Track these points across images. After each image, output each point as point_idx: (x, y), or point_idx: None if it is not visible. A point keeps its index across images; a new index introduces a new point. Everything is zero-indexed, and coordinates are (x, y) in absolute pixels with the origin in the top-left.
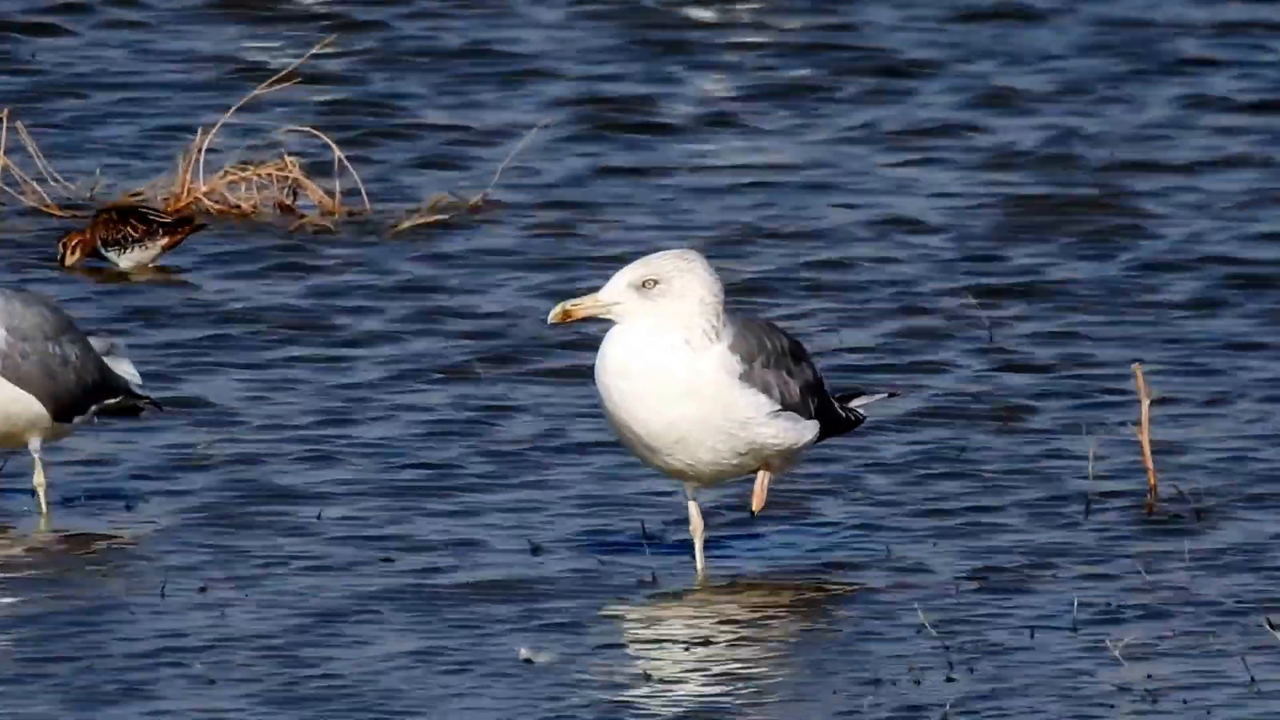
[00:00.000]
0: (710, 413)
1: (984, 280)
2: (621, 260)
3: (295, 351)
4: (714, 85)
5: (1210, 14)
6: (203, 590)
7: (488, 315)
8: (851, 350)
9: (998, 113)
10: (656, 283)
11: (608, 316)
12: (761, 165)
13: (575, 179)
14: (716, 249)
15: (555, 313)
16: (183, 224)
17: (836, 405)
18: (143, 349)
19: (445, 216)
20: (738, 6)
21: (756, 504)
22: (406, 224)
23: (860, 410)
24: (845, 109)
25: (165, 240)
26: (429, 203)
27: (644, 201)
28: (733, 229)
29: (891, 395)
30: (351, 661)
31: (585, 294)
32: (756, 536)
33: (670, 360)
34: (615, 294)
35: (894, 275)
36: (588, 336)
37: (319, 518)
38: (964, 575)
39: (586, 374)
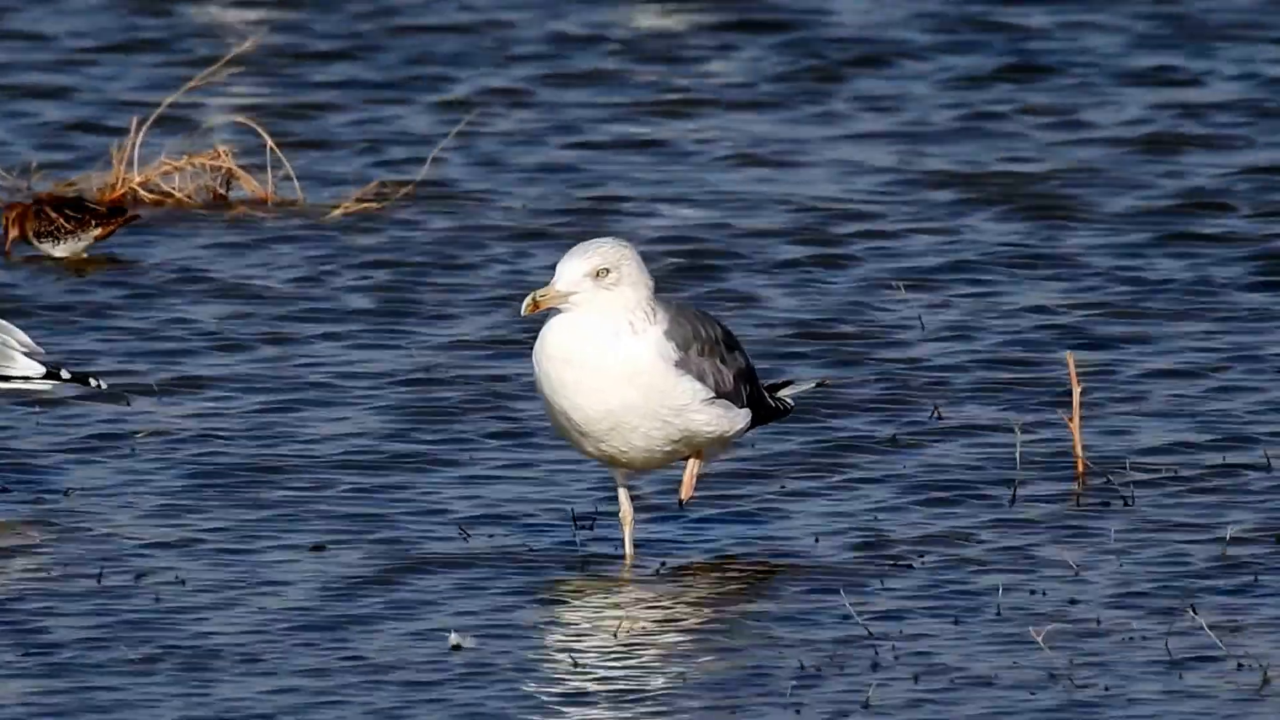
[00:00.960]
0: (646, 399)
1: (914, 264)
2: (546, 242)
3: (226, 338)
4: (650, 70)
5: None
6: (140, 578)
7: (419, 300)
8: (780, 338)
9: (927, 94)
10: (609, 272)
11: (565, 305)
12: (702, 145)
13: (511, 165)
14: (641, 230)
15: (527, 303)
16: (116, 214)
17: (766, 394)
18: (78, 335)
19: (377, 204)
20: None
21: (685, 492)
22: (338, 211)
23: (789, 400)
24: (783, 92)
25: (99, 230)
26: (362, 191)
27: (576, 187)
28: (659, 214)
29: (821, 385)
30: (276, 646)
31: (542, 284)
32: (686, 524)
33: (616, 346)
34: (572, 283)
35: (823, 260)
36: (533, 321)
37: (255, 503)
38: (890, 562)
39: (522, 354)
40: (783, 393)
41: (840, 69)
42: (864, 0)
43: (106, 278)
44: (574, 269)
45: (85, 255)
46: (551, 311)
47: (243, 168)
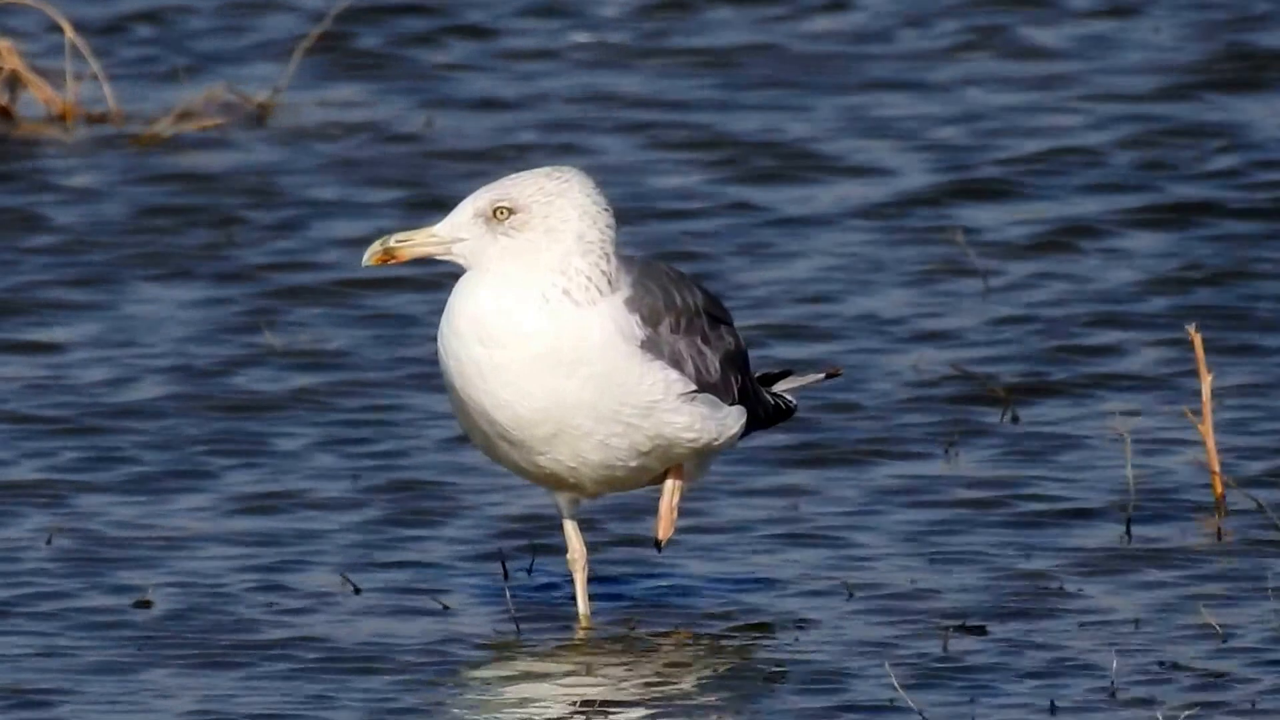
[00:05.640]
0: (600, 395)
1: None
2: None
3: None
4: None
5: None
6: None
7: (263, 248)
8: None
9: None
10: (513, 212)
11: (447, 258)
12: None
13: (374, 78)
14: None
15: (373, 251)
16: None
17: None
18: None
19: (217, 121)
20: None
21: (663, 530)
22: (162, 128)
23: (789, 397)
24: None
25: None
26: (191, 102)
27: (463, 102)
28: (545, 139)
29: (831, 376)
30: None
31: (417, 228)
32: (658, 569)
33: (543, 320)
34: (458, 228)
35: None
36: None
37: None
38: (959, 624)
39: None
40: (779, 386)
41: None
42: None
43: None
44: (464, 208)
45: None
46: (451, 268)
47: (38, 71)
